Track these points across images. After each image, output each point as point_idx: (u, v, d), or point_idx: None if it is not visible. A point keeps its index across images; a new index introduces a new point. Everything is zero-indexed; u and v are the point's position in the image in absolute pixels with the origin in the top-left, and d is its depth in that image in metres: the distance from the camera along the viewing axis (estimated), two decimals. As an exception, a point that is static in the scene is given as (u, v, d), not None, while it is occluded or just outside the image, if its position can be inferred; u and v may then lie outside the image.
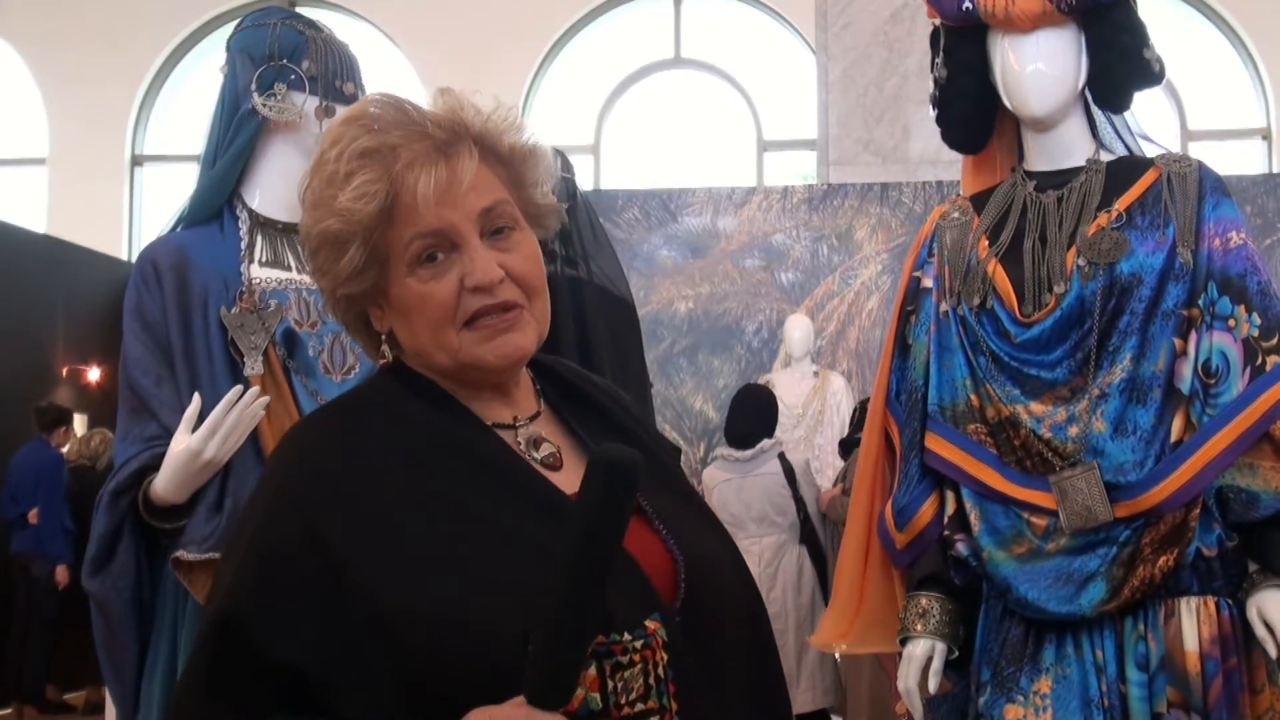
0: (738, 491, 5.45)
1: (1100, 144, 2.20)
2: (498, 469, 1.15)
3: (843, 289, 7.20)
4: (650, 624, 1.09)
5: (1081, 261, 2.06)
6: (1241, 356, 2.00)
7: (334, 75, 2.21)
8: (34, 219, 10.33)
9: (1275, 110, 10.02)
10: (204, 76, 10.48)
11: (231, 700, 1.07)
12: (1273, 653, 1.92)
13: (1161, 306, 2.03)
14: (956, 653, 2.13)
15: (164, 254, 2.14)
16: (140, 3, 10.74)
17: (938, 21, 2.23)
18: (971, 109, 2.24)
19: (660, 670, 1.08)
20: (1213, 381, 2.00)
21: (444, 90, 1.20)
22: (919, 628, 2.11)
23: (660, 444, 1.39)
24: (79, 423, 8.49)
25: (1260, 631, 1.94)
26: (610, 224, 6.81)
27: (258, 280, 2.15)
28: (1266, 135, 10.10)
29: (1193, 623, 1.96)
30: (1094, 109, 2.21)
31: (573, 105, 10.70)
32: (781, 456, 5.52)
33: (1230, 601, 1.99)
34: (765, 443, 5.51)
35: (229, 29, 2.34)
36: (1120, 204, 2.10)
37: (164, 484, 1.99)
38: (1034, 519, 2.03)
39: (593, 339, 2.27)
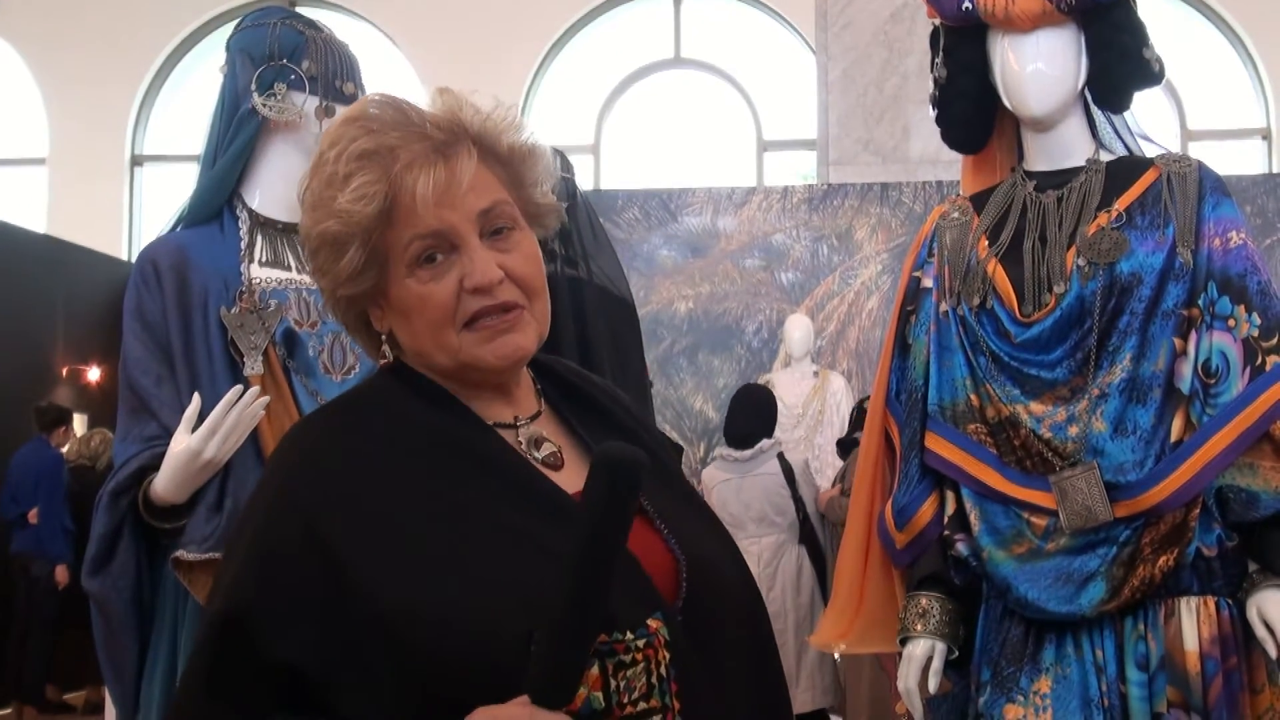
0: (737, 491, 5.45)
1: (1100, 144, 2.20)
2: (499, 468, 1.15)
3: (843, 289, 7.20)
4: (652, 623, 1.09)
5: (1081, 261, 2.06)
6: (1241, 356, 2.00)
7: (334, 75, 2.21)
8: (34, 219, 10.33)
9: (1275, 110, 10.02)
10: (204, 76, 10.48)
11: (232, 700, 1.07)
12: (1273, 653, 1.92)
13: (1161, 306, 2.03)
14: (956, 653, 2.13)
15: (164, 254, 2.14)
16: (140, 3, 10.74)
17: (938, 21, 2.23)
18: (971, 109, 2.24)
19: (662, 669, 1.08)
20: (1213, 381, 2.00)
21: (443, 90, 1.20)
22: (919, 627, 2.11)
23: (660, 444, 1.39)
24: (79, 423, 8.49)
25: (1260, 631, 1.94)
26: (610, 224, 6.81)
27: (258, 280, 2.15)
28: (1266, 135, 10.10)
29: (1193, 623, 1.96)
30: (1094, 109, 2.21)
31: (573, 105, 10.70)
32: (781, 456, 5.52)
33: (1230, 601, 1.99)
34: (764, 443, 5.52)
35: (229, 29, 2.34)
36: (1120, 204, 2.10)
37: (164, 484, 1.99)
38: (1034, 519, 2.03)
39: (593, 339, 2.27)
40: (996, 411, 2.07)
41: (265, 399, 2.03)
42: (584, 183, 2.71)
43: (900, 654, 2.15)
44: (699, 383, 7.25)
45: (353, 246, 1.16)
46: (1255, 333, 2.01)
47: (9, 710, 7.35)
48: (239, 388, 2.00)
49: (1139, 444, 1.99)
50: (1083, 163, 2.16)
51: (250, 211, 2.21)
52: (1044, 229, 2.12)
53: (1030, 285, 2.09)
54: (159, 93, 11.08)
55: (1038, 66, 2.10)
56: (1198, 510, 1.97)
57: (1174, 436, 2.00)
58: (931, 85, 2.27)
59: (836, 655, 5.20)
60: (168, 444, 2.00)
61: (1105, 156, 2.18)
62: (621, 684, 1.05)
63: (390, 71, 10.22)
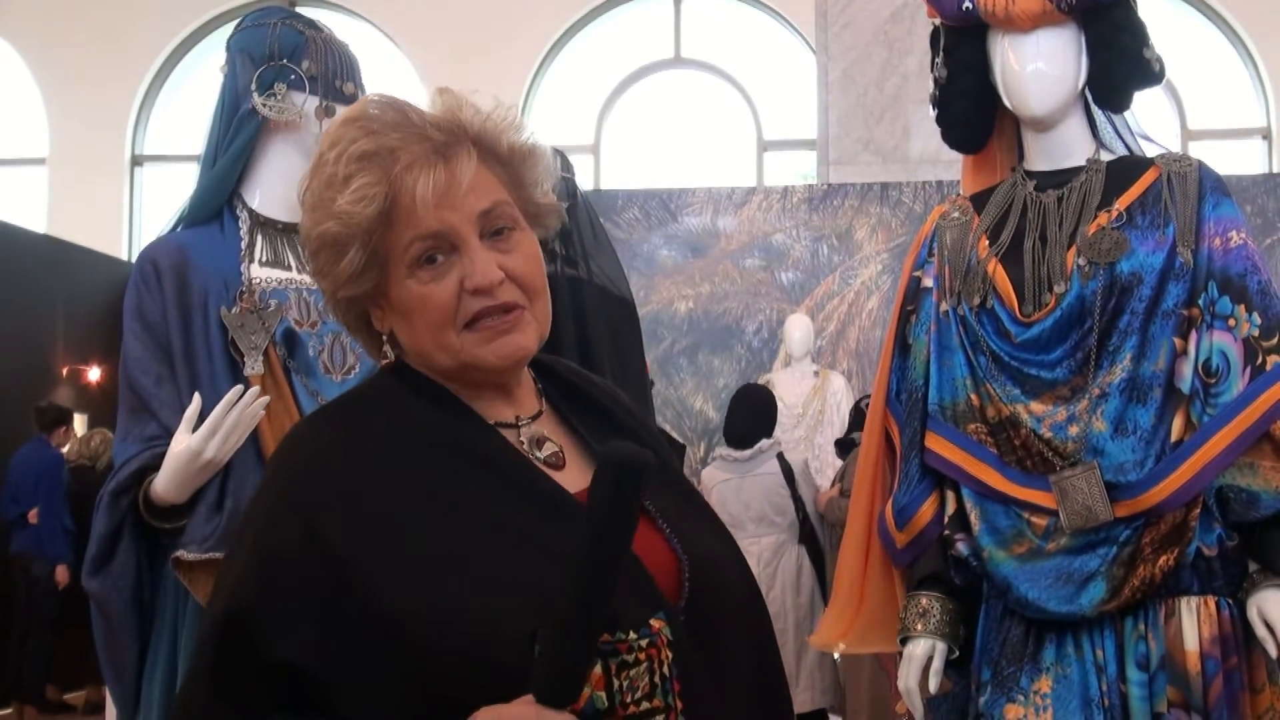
0: (736, 491, 5.45)
1: (1100, 144, 2.20)
2: (501, 468, 1.15)
3: (843, 289, 7.20)
4: (655, 623, 1.09)
5: (1082, 261, 2.06)
6: (1242, 356, 2.00)
7: (334, 75, 2.21)
8: (34, 219, 10.33)
9: (1275, 110, 10.02)
10: (204, 76, 10.49)
11: (234, 701, 1.07)
12: (1273, 652, 1.92)
13: (1162, 306, 2.03)
14: (957, 652, 2.13)
15: (164, 254, 2.14)
16: (140, 3, 10.74)
17: (938, 21, 2.23)
18: (971, 109, 2.24)
19: (665, 669, 1.08)
20: (1213, 381, 2.00)
21: (443, 90, 1.20)
22: (919, 627, 2.11)
23: (660, 444, 1.39)
24: (79, 423, 8.49)
25: (1260, 631, 1.94)
26: (610, 224, 6.81)
27: (258, 280, 2.15)
28: (1266, 135, 10.10)
29: (1193, 622, 1.96)
30: (1094, 109, 2.21)
31: (573, 105, 10.70)
32: (780, 457, 5.53)
33: (1230, 601, 1.99)
34: (764, 443, 5.52)
35: (229, 29, 2.34)
36: (1120, 203, 2.10)
37: (164, 484, 1.99)
38: (1034, 519, 2.03)
39: (593, 339, 2.26)
40: (997, 411, 2.07)
41: (265, 399, 2.03)
42: (584, 183, 2.71)
43: (900, 654, 2.15)
44: (699, 383, 7.25)
45: (353, 248, 1.16)
46: (1255, 332, 2.01)
47: (9, 710, 7.36)
48: (239, 388, 2.00)
49: (1139, 444, 1.99)
50: (1083, 162, 2.16)
51: (250, 211, 2.21)
52: (1044, 229, 2.12)
53: (1030, 285, 2.09)
54: (159, 93, 11.08)
55: (1038, 66, 2.10)
56: (1198, 510, 1.97)
57: (1174, 436, 2.00)
58: (931, 85, 2.27)
59: (836, 655, 5.20)
60: (168, 444, 2.00)
61: (1105, 156, 2.18)
62: (625, 684, 1.05)
63: (390, 71, 10.22)
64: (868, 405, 5.75)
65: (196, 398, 2.02)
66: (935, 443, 2.14)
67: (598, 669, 1.04)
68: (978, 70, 2.19)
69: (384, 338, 1.22)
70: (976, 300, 2.12)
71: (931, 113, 2.30)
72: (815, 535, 5.53)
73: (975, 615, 2.12)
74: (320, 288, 1.22)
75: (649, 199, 7.48)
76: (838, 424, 6.32)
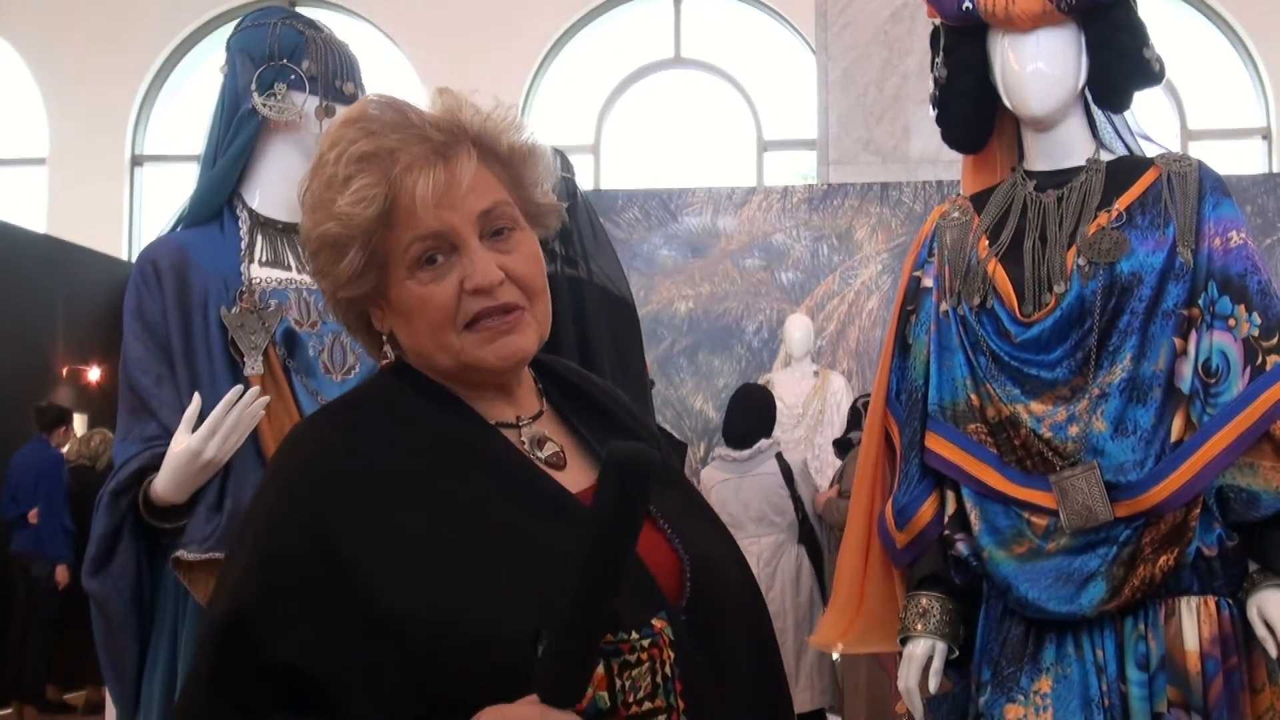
0: (736, 491, 5.46)
1: (1100, 144, 2.20)
2: (502, 468, 1.15)
3: (843, 289, 7.20)
4: (657, 623, 1.09)
5: (1082, 261, 2.06)
6: (1242, 356, 2.00)
7: (334, 75, 2.21)
8: (34, 219, 10.33)
9: (1275, 110, 10.02)
10: (204, 76, 10.49)
11: (236, 701, 1.07)
12: (1273, 652, 1.92)
13: (1162, 306, 2.03)
14: (957, 652, 2.13)
15: (164, 254, 2.14)
16: (140, 3, 10.74)
17: (938, 21, 2.23)
18: (971, 108, 2.24)
19: (667, 669, 1.08)
20: (1213, 381, 2.00)
21: (443, 90, 1.20)
22: (919, 627, 2.11)
23: (660, 445, 1.39)
24: (79, 423, 8.49)
25: (1260, 631, 1.94)
26: (610, 224, 6.81)
27: (258, 280, 2.15)
28: (1266, 135, 10.10)
29: (1193, 622, 1.96)
30: (1094, 109, 2.21)
31: (573, 105, 10.70)
32: (779, 456, 5.53)
33: (1230, 601, 1.99)
34: (763, 443, 5.52)
35: (229, 29, 2.34)
36: (1120, 203, 2.10)
37: (164, 484, 1.99)
38: (1034, 519, 2.03)
39: (593, 339, 2.26)
40: (997, 411, 2.07)
41: (265, 399, 2.03)
42: (584, 183, 2.71)
43: (900, 654, 2.15)
44: (699, 383, 7.25)
45: (353, 249, 1.16)
46: (1255, 332, 2.01)
47: (9, 710, 7.36)
48: (239, 388, 2.00)
49: (1139, 444, 1.99)
50: (1083, 162, 2.16)
51: (250, 211, 2.21)
52: (1044, 229, 2.12)
53: (1030, 285, 2.09)
54: (159, 93, 11.07)
55: (1038, 66, 2.10)
56: (1198, 510, 1.97)
57: (1174, 436, 2.00)
58: (931, 85, 2.27)
59: (835, 655, 5.20)
60: (168, 444, 2.00)
61: (1105, 156, 2.18)
62: (627, 683, 1.05)
63: (390, 71, 10.22)
64: (864, 405, 5.76)
65: (196, 398, 2.02)
66: (935, 443, 2.14)
67: (600, 669, 1.04)
68: (978, 70, 2.19)
69: (384, 338, 1.22)
70: (976, 300, 2.12)
71: (931, 113, 2.30)
72: (815, 535, 5.53)
73: (975, 615, 2.12)
74: (320, 288, 1.22)
75: (649, 199, 7.48)
76: (838, 424, 6.32)
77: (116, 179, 10.90)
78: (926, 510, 2.15)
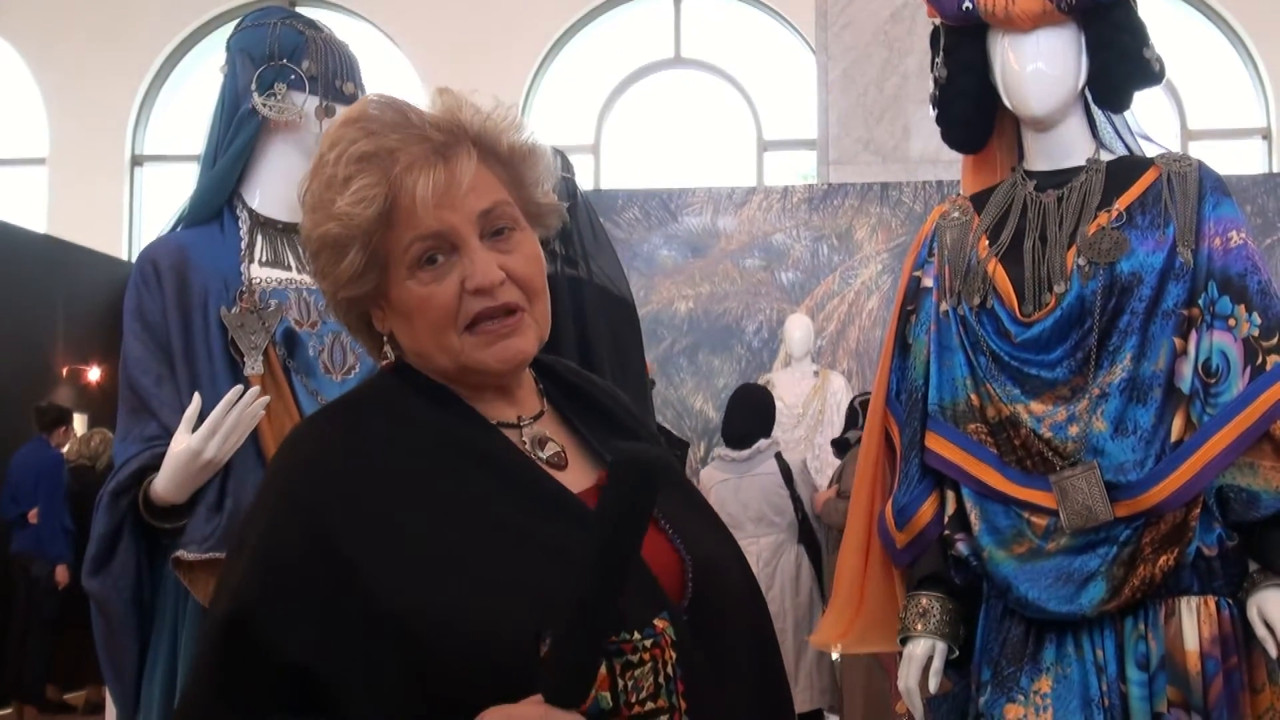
0: (735, 491, 5.46)
1: (1100, 144, 2.20)
2: (503, 468, 1.15)
3: (843, 289, 7.20)
4: (659, 623, 1.09)
5: (1082, 261, 2.06)
6: (1242, 356, 2.00)
7: (334, 75, 2.21)
8: (34, 219, 10.33)
9: (1275, 110, 10.02)
10: (204, 76, 10.49)
11: (237, 702, 1.07)
12: (1273, 652, 1.92)
13: (1162, 306, 2.03)
14: (957, 652, 2.13)
15: (164, 254, 2.14)
16: (140, 2, 10.74)
17: (938, 21, 2.23)
18: (971, 108, 2.24)
19: (669, 669, 1.08)
20: (1213, 381, 2.00)
21: (443, 90, 1.20)
22: (919, 627, 2.11)
23: (661, 445, 1.39)
24: (79, 423, 8.49)
25: (1260, 631, 1.94)
26: (610, 224, 6.81)
27: (258, 280, 2.15)
28: (1266, 135, 10.10)
29: (1193, 622, 1.96)
30: (1094, 109, 2.21)
31: (573, 105, 10.70)
32: (778, 456, 5.53)
33: (1231, 601, 1.99)
34: (762, 443, 5.52)
35: (229, 29, 2.34)
36: (1120, 203, 2.10)
37: (164, 484, 1.99)
38: (1034, 518, 2.03)
39: (593, 339, 2.26)
40: (997, 411, 2.08)
41: (265, 399, 2.03)
42: (584, 183, 2.71)
43: (900, 654, 2.15)
44: (699, 383, 7.25)
45: (353, 249, 1.16)
46: (1255, 332, 2.01)
47: (9, 710, 7.36)
48: (239, 388, 2.00)
49: (1139, 444, 1.99)
50: (1083, 162, 2.16)
51: (250, 211, 2.21)
52: (1044, 228, 2.12)
53: (1030, 285, 2.09)
54: (159, 92, 11.08)
55: (1038, 66, 2.10)
56: (1198, 510, 1.97)
57: (1174, 436, 2.00)
58: (931, 85, 2.27)
59: (835, 655, 5.20)
60: (168, 444, 2.00)
61: (1105, 156, 2.18)
62: (629, 684, 1.05)
63: (390, 71, 10.22)
64: (861, 403, 5.75)
65: (196, 398, 2.02)
66: (935, 443, 2.14)
67: (602, 670, 1.04)
68: (978, 70, 2.19)
69: (384, 338, 1.22)
70: (976, 300, 2.12)
71: (931, 113, 2.30)
72: (814, 535, 5.53)
73: (975, 615, 2.12)
74: (321, 289, 1.22)
75: (649, 199, 7.48)
76: (838, 424, 6.32)
77: (116, 179, 10.90)
78: (926, 510, 2.15)
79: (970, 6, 2.13)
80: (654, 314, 7.12)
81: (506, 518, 1.10)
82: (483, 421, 1.19)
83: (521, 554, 1.08)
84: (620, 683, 1.05)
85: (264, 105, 2.17)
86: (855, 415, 5.45)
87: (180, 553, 1.98)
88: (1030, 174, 2.20)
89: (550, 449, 1.21)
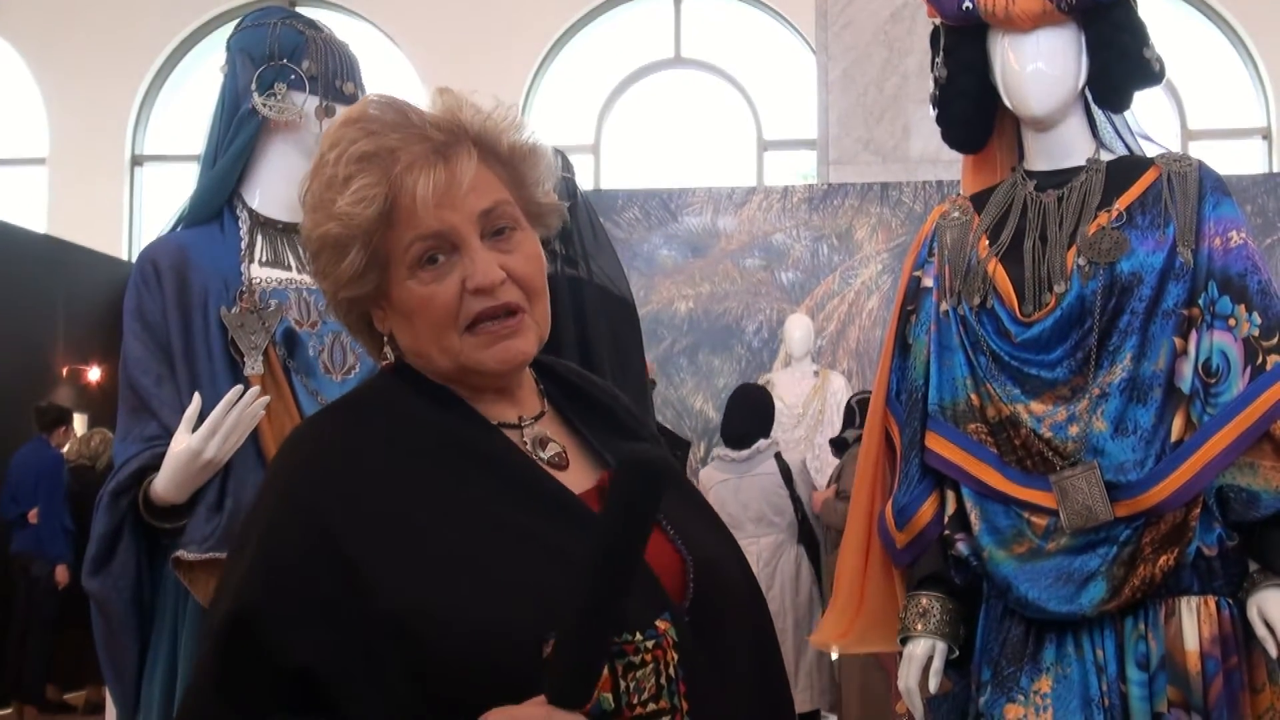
0: (735, 492, 5.46)
1: (1100, 143, 2.20)
2: (504, 468, 1.15)
3: (843, 289, 7.20)
4: (661, 624, 1.09)
5: (1082, 261, 2.06)
6: (1242, 356, 2.00)
7: (334, 75, 2.21)
8: (34, 219, 10.33)
9: (1275, 110, 10.02)
10: (204, 76, 10.49)
11: (239, 702, 1.07)
12: (1273, 652, 1.92)
13: (1162, 306, 2.03)
14: (957, 652, 2.13)
15: (164, 254, 2.14)
16: (140, 2, 10.74)
17: (938, 21, 2.23)
18: (971, 108, 2.24)
19: (671, 670, 1.08)
20: (1213, 381, 2.00)
21: (443, 90, 1.20)
22: (919, 627, 2.11)
23: (662, 445, 1.39)
24: (79, 423, 8.49)
25: (1261, 631, 1.94)
26: (610, 224, 6.81)
27: (258, 280, 2.15)
28: (1266, 135, 10.10)
29: (1193, 622, 1.96)
30: (1094, 108, 2.21)
31: (573, 105, 10.70)
32: (778, 456, 5.53)
33: (1231, 601, 1.99)
34: (762, 443, 5.52)
35: (229, 29, 2.34)
36: (1120, 203, 2.10)
37: (164, 484, 1.99)
38: (1034, 518, 2.03)
39: (593, 339, 2.26)
40: (997, 411, 2.08)
41: (265, 399, 2.03)
42: (584, 183, 2.71)
43: (900, 653, 2.15)
44: (699, 383, 7.25)
45: (354, 249, 1.15)
46: (1256, 332, 2.01)
47: (9, 710, 7.36)
48: (239, 388, 2.00)
49: (1139, 443, 1.99)
50: (1083, 162, 2.16)
51: (250, 211, 2.21)
52: (1044, 228, 2.12)
53: (1031, 285, 2.09)
54: (159, 92, 11.08)
55: (1038, 66, 2.10)
56: (1198, 510, 1.97)
57: (1174, 436, 2.00)
58: (932, 85, 2.27)
59: (833, 655, 5.20)
60: (168, 444, 2.00)
61: (1105, 156, 2.18)
62: (631, 685, 1.05)
63: (390, 71, 10.22)
64: (859, 402, 5.74)
65: (196, 398, 2.02)
66: (935, 442, 2.14)
67: (605, 671, 1.03)
68: (978, 70, 2.19)
69: (385, 339, 1.22)
70: (976, 300, 2.12)
71: (931, 113, 2.30)
72: (814, 535, 5.53)
73: (975, 615, 2.12)
74: (322, 289, 1.22)
75: (649, 199, 7.48)
76: (838, 424, 6.32)
77: (116, 179, 10.90)
78: (926, 510, 2.15)
79: (970, 6, 2.13)
80: (654, 314, 7.12)
81: (507, 518, 1.10)
82: (483, 422, 1.19)
83: (522, 554, 1.08)
84: (622, 684, 1.05)
85: (264, 105, 2.17)
86: (852, 414, 5.45)
87: (180, 553, 1.98)
88: (1030, 174, 2.20)
89: (551, 449, 1.21)
